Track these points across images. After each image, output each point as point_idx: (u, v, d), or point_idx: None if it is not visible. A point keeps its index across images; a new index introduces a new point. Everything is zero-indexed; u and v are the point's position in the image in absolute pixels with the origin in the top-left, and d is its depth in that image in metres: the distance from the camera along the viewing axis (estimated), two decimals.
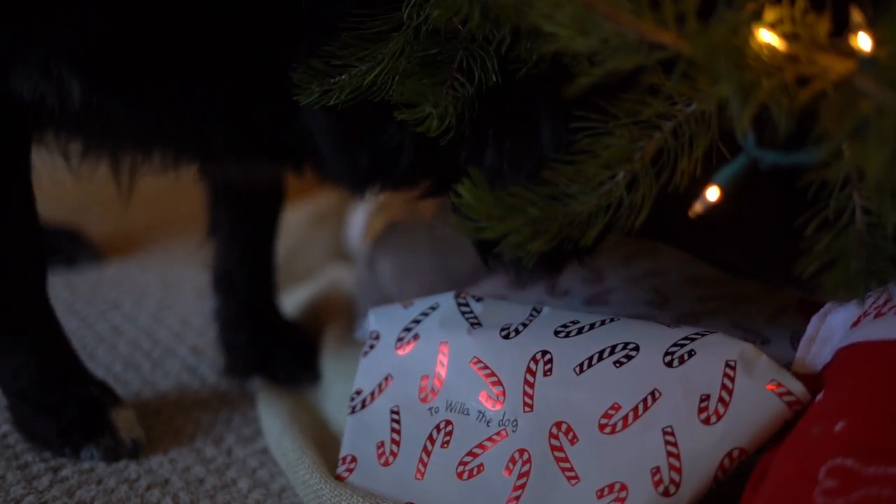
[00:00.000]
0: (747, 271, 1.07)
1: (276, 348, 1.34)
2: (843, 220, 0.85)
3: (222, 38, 1.05)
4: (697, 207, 0.88)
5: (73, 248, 1.68)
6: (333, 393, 1.24)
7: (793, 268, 0.93)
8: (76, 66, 1.04)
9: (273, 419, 1.19)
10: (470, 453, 1.00)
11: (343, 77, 0.95)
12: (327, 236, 1.68)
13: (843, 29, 0.77)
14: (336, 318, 1.37)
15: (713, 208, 0.91)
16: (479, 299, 1.09)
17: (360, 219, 1.57)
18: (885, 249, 0.85)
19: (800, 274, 0.88)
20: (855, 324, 0.96)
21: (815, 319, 1.01)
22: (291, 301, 1.47)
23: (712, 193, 0.88)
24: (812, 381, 0.95)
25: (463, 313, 1.07)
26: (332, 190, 1.63)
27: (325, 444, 1.13)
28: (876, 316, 0.96)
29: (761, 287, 1.19)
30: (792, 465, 0.86)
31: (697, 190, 0.89)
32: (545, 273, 1.05)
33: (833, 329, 0.98)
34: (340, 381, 1.24)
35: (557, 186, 0.87)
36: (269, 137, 1.11)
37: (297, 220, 1.71)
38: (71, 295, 1.54)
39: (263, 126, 1.09)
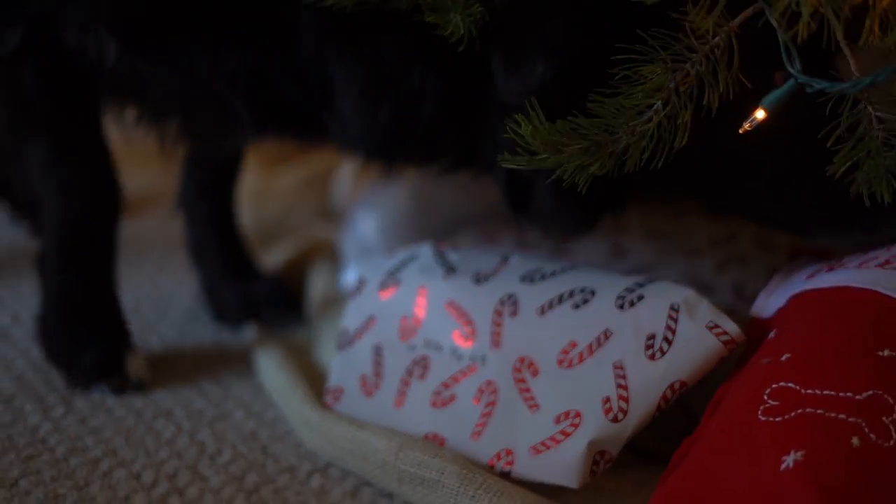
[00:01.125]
0: (774, 217, 1.13)
1: (259, 299, 1.44)
2: (860, 129, 0.93)
3: (243, 6, 1.12)
4: (746, 126, 0.96)
5: None
6: (320, 336, 1.35)
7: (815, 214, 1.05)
8: (112, 29, 1.14)
9: (267, 358, 1.29)
10: (443, 384, 1.11)
11: None
12: (315, 198, 1.76)
13: None
14: (321, 269, 1.47)
15: (750, 150, 1.01)
16: (454, 249, 1.20)
17: (346, 179, 1.67)
18: None
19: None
20: (810, 276, 1.08)
21: (776, 275, 1.12)
22: (279, 256, 1.57)
23: (759, 114, 0.95)
24: (766, 323, 1.07)
25: (439, 262, 1.17)
26: (321, 153, 1.73)
27: (313, 379, 1.23)
28: (828, 270, 1.07)
29: (707, 243, 1.31)
30: (742, 390, 0.97)
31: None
32: (582, 225, 1.13)
33: (789, 281, 1.10)
34: (326, 325, 1.35)
35: (605, 117, 0.95)
36: (288, 103, 1.16)
37: (286, 184, 1.79)
38: None
39: (284, 91, 1.15)
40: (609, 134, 0.94)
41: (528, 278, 1.12)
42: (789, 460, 0.87)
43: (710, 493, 0.90)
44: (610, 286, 1.08)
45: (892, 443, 0.87)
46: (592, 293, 1.08)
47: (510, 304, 1.11)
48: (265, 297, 1.44)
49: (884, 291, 0.98)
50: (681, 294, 1.04)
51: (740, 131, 0.96)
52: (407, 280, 1.18)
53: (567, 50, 1.00)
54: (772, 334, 1.03)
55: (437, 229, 1.42)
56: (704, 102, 0.93)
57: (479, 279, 1.14)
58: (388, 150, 1.17)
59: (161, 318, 1.46)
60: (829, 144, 0.94)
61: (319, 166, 1.82)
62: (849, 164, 0.94)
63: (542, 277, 1.12)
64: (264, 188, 1.78)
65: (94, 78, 1.21)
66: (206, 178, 1.47)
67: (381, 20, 1.05)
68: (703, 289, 1.21)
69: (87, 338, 1.27)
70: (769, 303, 1.09)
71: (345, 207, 1.59)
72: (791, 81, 0.94)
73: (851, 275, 1.03)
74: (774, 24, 0.91)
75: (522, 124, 0.93)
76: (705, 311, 1.03)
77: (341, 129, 1.15)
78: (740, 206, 1.14)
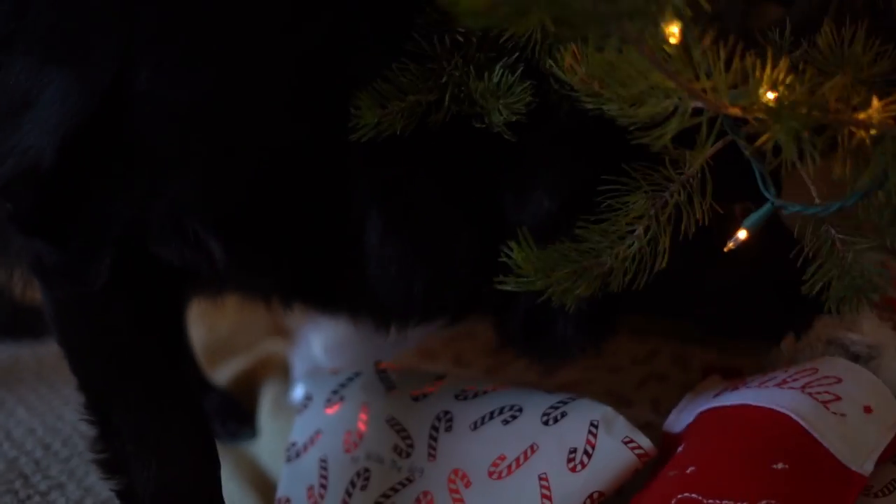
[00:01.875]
0: (735, 331, 1.23)
1: (211, 412, 1.49)
2: (824, 250, 1.03)
3: (311, 216, 1.11)
4: (730, 245, 1.05)
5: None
6: (269, 448, 1.42)
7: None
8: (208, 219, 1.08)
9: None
10: (383, 494, 1.20)
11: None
12: (266, 315, 1.83)
13: None
14: (272, 383, 1.55)
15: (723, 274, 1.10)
16: (394, 370, 1.29)
17: None
18: (872, 269, 1.02)
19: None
20: (717, 395, 1.18)
21: (687, 394, 1.22)
22: (232, 370, 1.65)
23: (741, 235, 1.04)
24: (676, 438, 1.16)
25: (381, 380, 1.27)
26: None
27: (262, 489, 1.32)
28: (732, 389, 1.17)
29: (629, 361, 1.41)
30: (650, 500, 1.06)
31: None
32: (593, 347, 1.19)
33: (698, 400, 1.19)
34: (275, 437, 1.42)
35: (590, 241, 1.03)
36: (333, 289, 1.18)
37: (235, 300, 1.86)
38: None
39: (336, 271, 1.15)
40: (594, 258, 1.03)
41: (462, 396, 1.22)
42: None
43: None
44: (536, 404, 1.17)
45: None
46: (520, 410, 1.17)
47: (445, 420, 1.20)
48: (217, 411, 1.51)
49: (779, 409, 1.08)
50: (600, 411, 1.14)
51: (725, 250, 1.05)
52: (350, 397, 1.27)
53: (570, 184, 1.07)
54: (680, 448, 1.12)
55: (379, 348, 1.51)
56: (682, 228, 1.02)
57: (417, 396, 1.24)
58: (416, 315, 1.19)
59: None
60: (798, 264, 1.04)
61: None
62: (821, 283, 1.03)
63: (475, 395, 1.22)
64: (214, 305, 1.84)
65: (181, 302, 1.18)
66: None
67: (422, 184, 1.09)
68: (624, 403, 1.30)
69: None
70: (679, 419, 1.18)
71: (296, 324, 1.67)
72: (768, 205, 1.04)
73: (752, 394, 1.12)
74: (749, 156, 1.00)
75: (515, 250, 1.01)
76: (621, 426, 1.12)
77: (370, 307, 1.18)
78: (714, 322, 1.22)
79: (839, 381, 1.12)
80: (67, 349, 1.14)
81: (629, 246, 1.02)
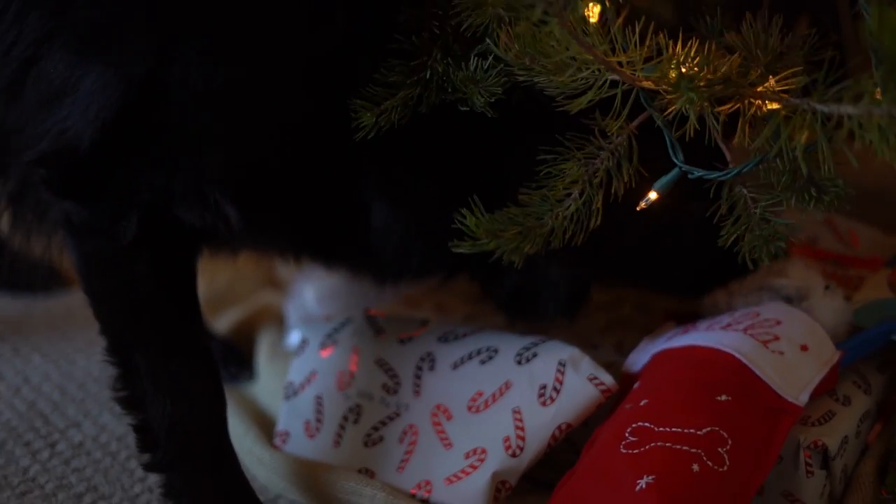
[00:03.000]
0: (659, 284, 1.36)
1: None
2: (738, 209, 1.13)
3: (321, 192, 1.24)
4: (642, 204, 1.14)
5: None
6: (267, 388, 1.54)
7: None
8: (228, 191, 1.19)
9: None
10: (373, 427, 1.32)
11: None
12: (262, 268, 1.89)
13: None
14: (268, 330, 1.66)
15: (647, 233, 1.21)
16: (382, 316, 1.42)
17: None
18: (776, 222, 1.11)
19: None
20: (670, 338, 1.29)
21: (645, 337, 1.33)
22: (230, 319, 1.75)
23: (652, 195, 1.14)
24: (634, 376, 1.27)
25: (370, 325, 1.39)
26: None
27: (262, 425, 1.43)
28: (683, 332, 1.29)
29: (595, 307, 1.52)
30: (609, 430, 1.17)
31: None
32: (566, 315, 1.32)
33: (654, 342, 1.31)
34: (273, 379, 1.53)
35: (533, 206, 1.12)
36: (337, 251, 1.33)
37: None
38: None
39: (342, 238, 1.29)
40: (537, 219, 1.13)
41: (444, 339, 1.34)
42: (643, 483, 1.06)
43: None
44: (510, 345, 1.29)
45: (725, 468, 1.08)
46: (496, 351, 1.30)
47: (429, 360, 1.33)
48: (218, 356, 1.61)
49: (723, 349, 1.20)
50: (567, 351, 1.26)
51: (637, 209, 1.14)
52: (343, 340, 1.39)
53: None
54: (636, 385, 1.24)
55: (366, 298, 1.63)
56: (613, 190, 1.11)
57: (404, 339, 1.36)
58: (410, 276, 1.33)
59: None
60: (715, 222, 1.14)
61: None
62: (735, 236, 1.13)
63: (455, 338, 1.34)
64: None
65: (196, 258, 1.27)
66: None
67: (421, 166, 1.21)
68: (590, 345, 1.40)
69: None
70: (637, 359, 1.30)
71: (290, 276, 1.79)
72: (676, 170, 1.13)
73: (699, 336, 1.25)
74: (661, 125, 1.11)
75: (467, 216, 1.10)
76: (587, 365, 1.24)
77: (373, 264, 1.31)
78: (645, 277, 1.35)
79: (778, 322, 1.24)
80: (93, 297, 1.25)
81: (567, 208, 1.12)
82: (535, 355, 1.27)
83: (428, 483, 1.26)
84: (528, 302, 1.32)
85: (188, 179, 1.18)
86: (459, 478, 1.24)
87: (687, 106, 1.03)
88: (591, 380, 1.23)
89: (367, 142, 1.14)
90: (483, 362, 1.30)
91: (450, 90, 1.14)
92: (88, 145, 1.15)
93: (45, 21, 1.16)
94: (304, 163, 1.21)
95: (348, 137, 1.15)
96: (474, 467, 1.24)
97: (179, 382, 1.24)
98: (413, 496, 1.26)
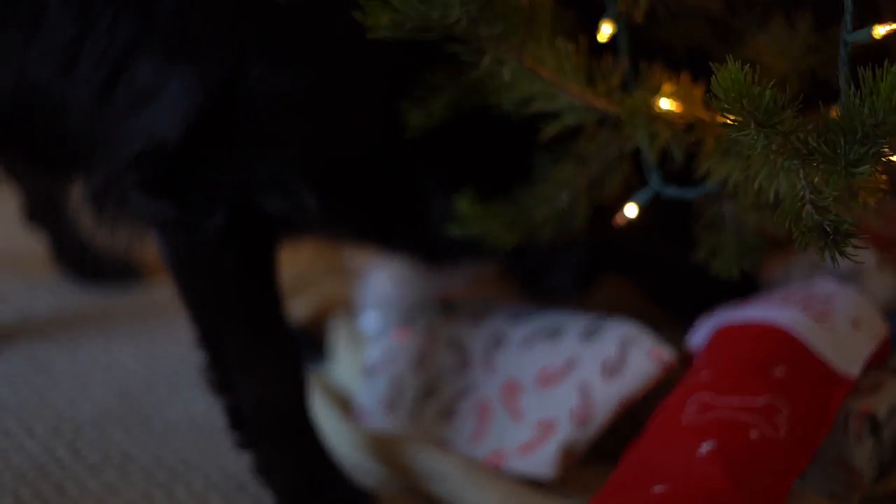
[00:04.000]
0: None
1: None
2: (718, 224, 1.22)
3: (386, 183, 1.33)
4: (620, 218, 1.22)
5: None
6: (345, 369, 1.62)
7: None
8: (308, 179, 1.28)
9: None
10: (447, 402, 1.41)
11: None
12: (331, 257, 1.97)
13: None
14: (340, 315, 1.74)
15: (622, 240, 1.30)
16: (453, 299, 1.50)
17: None
18: (750, 241, 1.22)
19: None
20: (727, 314, 1.35)
21: (700, 319, 1.38)
22: (303, 307, 1.82)
23: (631, 210, 1.22)
24: (694, 353, 1.35)
25: (443, 308, 1.48)
26: None
27: (340, 403, 1.52)
28: (740, 307, 1.35)
29: None
30: (673, 400, 1.25)
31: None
32: (577, 289, 1.42)
33: (712, 318, 1.36)
34: (349, 360, 1.61)
35: (522, 201, 1.24)
36: (398, 237, 1.42)
37: (302, 247, 2.00)
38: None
39: (404, 225, 1.38)
40: (524, 213, 1.23)
41: (512, 318, 1.43)
42: (704, 448, 1.15)
43: (647, 476, 1.17)
44: (575, 322, 1.37)
45: (781, 435, 1.16)
46: (562, 329, 1.37)
47: (499, 338, 1.41)
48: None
49: (778, 324, 1.27)
50: (630, 329, 1.33)
51: (617, 222, 1.22)
52: (418, 321, 1.48)
53: None
54: (697, 359, 1.32)
55: (437, 282, 1.72)
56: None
57: (475, 320, 1.45)
58: (457, 261, 1.45)
59: None
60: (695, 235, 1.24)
61: None
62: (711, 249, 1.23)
63: (524, 318, 1.42)
64: (283, 250, 2.03)
65: (276, 247, 1.35)
66: None
67: (469, 162, 1.31)
68: (653, 323, 1.44)
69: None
70: (698, 334, 1.37)
71: (357, 264, 1.88)
72: (652, 189, 1.21)
73: (756, 312, 1.31)
74: (643, 149, 1.20)
75: (463, 203, 1.22)
76: (648, 341, 1.32)
77: (430, 249, 1.41)
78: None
79: (831, 299, 1.31)
80: (185, 290, 1.34)
81: (555, 206, 1.23)
82: (599, 332, 1.35)
83: (500, 453, 1.34)
84: (544, 278, 1.41)
85: (270, 173, 1.27)
86: (530, 447, 1.32)
87: (645, 139, 1.14)
88: (652, 355, 1.31)
89: (425, 139, 1.24)
90: (550, 338, 1.38)
91: (483, 95, 1.23)
92: (176, 146, 1.25)
93: (134, 29, 1.25)
94: (373, 157, 1.31)
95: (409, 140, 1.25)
96: (544, 438, 1.32)
97: (265, 364, 1.34)
98: (486, 465, 1.34)
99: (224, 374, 1.34)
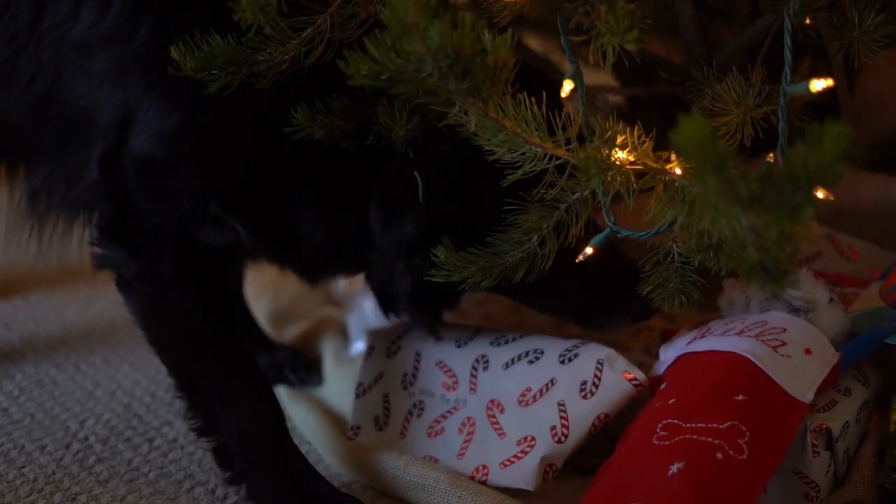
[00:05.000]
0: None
1: (285, 365, 1.81)
2: (666, 260, 1.35)
3: (273, 198, 1.44)
4: (580, 257, 1.36)
5: None
6: (335, 390, 1.72)
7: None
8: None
9: (297, 406, 1.67)
10: (435, 421, 1.51)
11: None
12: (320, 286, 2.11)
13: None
14: (330, 340, 1.85)
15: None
16: (441, 326, 1.59)
17: None
18: (690, 278, 1.34)
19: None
20: (689, 343, 1.46)
21: (662, 346, 1.50)
22: (295, 331, 1.94)
23: (587, 251, 1.36)
24: (660, 378, 1.44)
25: (430, 332, 1.57)
26: None
27: (333, 421, 1.61)
28: (700, 337, 1.46)
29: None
30: (641, 425, 1.34)
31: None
32: (430, 319, 1.54)
33: (675, 346, 1.47)
34: (339, 381, 1.73)
35: (496, 246, 1.35)
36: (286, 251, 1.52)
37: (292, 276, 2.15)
38: None
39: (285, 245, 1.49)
40: (500, 258, 1.35)
41: (496, 342, 1.53)
42: (674, 468, 1.23)
43: (621, 495, 1.26)
44: (555, 347, 1.48)
45: (744, 456, 1.25)
46: (542, 352, 1.48)
47: (483, 361, 1.51)
48: (288, 363, 1.81)
49: (739, 353, 1.36)
50: (605, 352, 1.44)
51: (576, 260, 1.36)
52: (406, 345, 1.59)
53: (431, 213, 1.37)
54: (663, 385, 1.41)
55: None
56: (567, 241, 1.34)
57: (460, 344, 1.55)
58: (331, 275, 1.61)
59: None
60: (645, 268, 1.36)
61: None
62: (657, 283, 1.36)
63: (506, 342, 1.52)
64: (278, 280, 2.05)
65: (230, 281, 1.49)
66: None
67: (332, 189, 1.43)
68: (623, 348, 1.59)
69: None
70: (662, 362, 1.47)
71: (346, 294, 1.98)
72: (608, 230, 1.35)
73: (717, 342, 1.41)
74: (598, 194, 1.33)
75: (441, 252, 1.34)
76: (622, 363, 1.43)
77: (298, 259, 1.53)
78: (555, 307, 1.55)
79: (784, 330, 1.41)
80: (155, 342, 1.47)
81: (526, 249, 1.35)
82: (576, 356, 1.46)
83: (485, 467, 1.44)
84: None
85: (191, 202, 1.40)
86: (512, 462, 1.43)
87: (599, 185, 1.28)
88: (625, 376, 1.42)
89: (297, 171, 1.40)
90: (531, 362, 1.48)
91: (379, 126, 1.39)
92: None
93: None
94: (257, 186, 1.43)
95: (284, 165, 1.41)
96: (525, 453, 1.42)
97: (241, 399, 1.44)
98: (472, 479, 1.44)
99: (206, 418, 1.45)
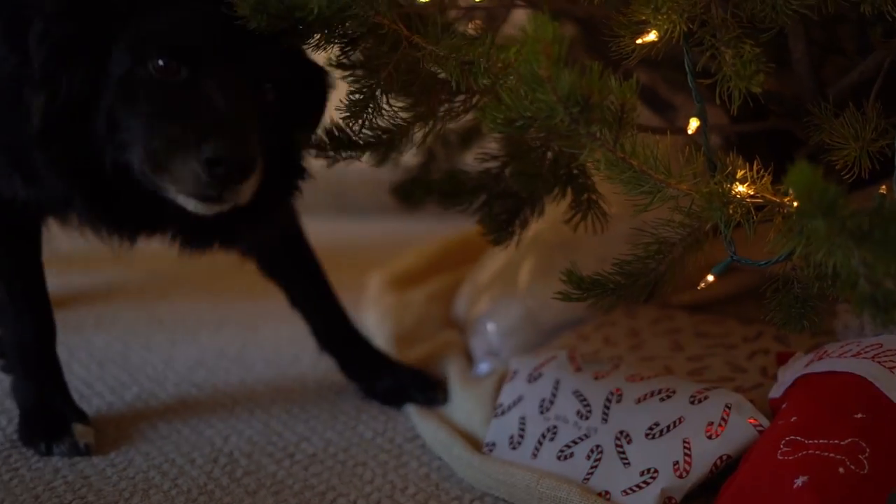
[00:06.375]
0: None
1: (411, 385, 1.90)
2: (786, 287, 1.42)
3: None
4: (702, 285, 1.44)
5: None
6: (462, 408, 1.80)
7: None
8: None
9: (427, 424, 1.76)
10: (566, 445, 1.59)
11: None
12: (441, 310, 2.21)
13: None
14: (455, 362, 1.94)
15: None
16: (580, 357, 1.68)
17: (466, 295, 2.15)
18: (811, 303, 1.41)
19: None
20: (807, 364, 1.53)
21: (780, 369, 1.57)
22: (418, 353, 2.02)
23: (710, 278, 1.45)
24: (780, 400, 1.51)
25: (570, 363, 1.66)
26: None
27: (462, 436, 1.70)
28: (818, 359, 1.52)
29: (741, 340, 1.78)
30: (764, 442, 1.42)
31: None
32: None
33: (793, 368, 1.54)
34: (465, 401, 1.80)
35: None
36: None
37: (417, 299, 2.25)
38: None
39: None
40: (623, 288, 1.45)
41: (631, 378, 1.60)
42: (799, 481, 1.31)
43: None
44: (686, 389, 1.54)
45: (865, 471, 1.32)
46: (674, 392, 1.55)
47: (617, 394, 1.59)
48: (414, 384, 1.90)
49: (857, 374, 1.43)
50: (734, 397, 1.50)
51: (700, 287, 1.44)
52: (547, 373, 1.67)
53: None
54: (784, 405, 1.48)
55: (542, 333, 1.91)
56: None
57: (598, 377, 1.63)
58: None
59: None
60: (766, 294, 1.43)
61: (443, 284, 2.30)
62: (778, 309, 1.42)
63: (641, 379, 1.60)
64: (399, 303, 2.22)
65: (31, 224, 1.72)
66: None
67: None
68: (739, 370, 1.67)
69: (45, 417, 1.74)
70: (783, 383, 1.54)
71: (467, 317, 2.05)
72: (728, 259, 1.41)
73: (835, 363, 1.48)
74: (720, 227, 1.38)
75: (567, 275, 1.45)
76: (748, 409, 1.49)
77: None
78: None
79: None
80: None
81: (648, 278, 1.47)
82: (706, 398, 1.53)
83: (607, 493, 1.51)
84: None
85: None
86: (634, 490, 1.49)
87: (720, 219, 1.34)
88: (750, 421, 1.48)
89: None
90: (662, 399, 1.56)
91: None
92: None
93: None
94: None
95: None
96: (647, 483, 1.49)
97: (17, 314, 1.74)
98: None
99: None
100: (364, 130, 1.56)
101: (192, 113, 1.46)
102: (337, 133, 1.57)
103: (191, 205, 1.48)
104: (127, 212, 1.59)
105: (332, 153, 1.58)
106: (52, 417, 1.74)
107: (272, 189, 1.59)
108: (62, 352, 1.82)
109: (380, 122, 1.56)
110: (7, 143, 1.58)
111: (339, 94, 1.60)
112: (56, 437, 1.71)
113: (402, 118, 1.57)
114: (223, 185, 1.45)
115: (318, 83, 1.65)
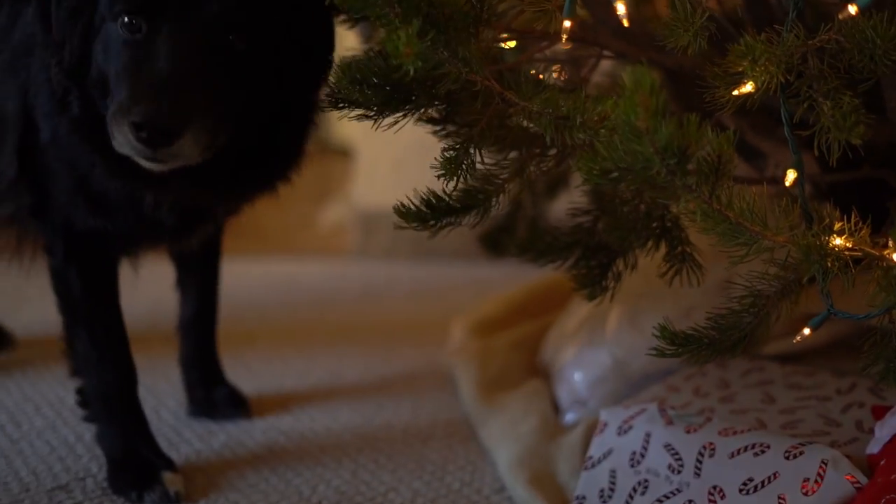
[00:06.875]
0: None
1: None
2: (884, 340, 1.39)
3: None
4: (798, 338, 1.43)
5: None
6: (545, 457, 1.80)
7: None
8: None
9: (514, 476, 1.77)
10: (657, 500, 1.58)
11: None
12: (525, 358, 2.20)
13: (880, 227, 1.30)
14: (541, 411, 1.94)
15: None
16: (671, 409, 1.67)
17: (552, 343, 2.15)
18: None
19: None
20: None
21: (877, 424, 1.54)
22: (503, 400, 2.02)
23: (806, 332, 1.43)
24: (878, 456, 1.49)
25: (661, 415, 1.65)
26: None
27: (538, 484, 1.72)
28: None
29: (835, 392, 1.76)
30: (864, 500, 1.40)
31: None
32: None
33: (890, 423, 1.51)
34: (555, 452, 1.81)
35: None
36: None
37: (501, 346, 2.25)
38: None
39: None
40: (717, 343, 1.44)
41: (724, 433, 1.59)
42: None
43: None
44: (781, 443, 1.53)
45: None
46: (768, 447, 1.53)
47: (710, 449, 1.57)
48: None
49: None
50: (830, 453, 1.48)
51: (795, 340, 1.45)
52: (638, 426, 1.66)
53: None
54: (882, 462, 1.46)
55: (630, 383, 1.90)
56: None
57: (690, 430, 1.62)
58: None
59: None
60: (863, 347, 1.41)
61: (527, 331, 2.30)
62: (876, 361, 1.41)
63: (734, 433, 1.58)
64: (484, 350, 2.22)
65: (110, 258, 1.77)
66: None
67: None
68: (834, 423, 1.64)
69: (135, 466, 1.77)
70: (879, 439, 1.51)
71: (553, 366, 2.05)
72: (826, 312, 1.39)
73: None
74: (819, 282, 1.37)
75: (661, 331, 1.43)
76: (845, 466, 1.46)
77: None
78: None
79: None
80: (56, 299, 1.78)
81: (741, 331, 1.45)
82: (801, 453, 1.50)
83: None
84: None
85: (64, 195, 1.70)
86: None
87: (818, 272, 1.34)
88: (848, 478, 1.46)
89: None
90: (756, 454, 1.54)
91: None
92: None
93: None
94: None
95: None
96: None
97: (101, 361, 1.76)
98: None
99: (75, 364, 1.79)
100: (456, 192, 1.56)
101: (139, 72, 1.48)
102: (435, 201, 1.56)
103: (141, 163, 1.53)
104: (139, 172, 1.58)
105: (432, 222, 1.57)
106: (141, 465, 1.77)
107: (270, 137, 1.62)
108: (151, 398, 1.84)
109: (472, 182, 1.56)
110: (64, 157, 1.67)
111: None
112: (147, 485, 1.74)
113: (495, 175, 1.57)
114: (152, 147, 1.46)
115: (316, 25, 1.61)
